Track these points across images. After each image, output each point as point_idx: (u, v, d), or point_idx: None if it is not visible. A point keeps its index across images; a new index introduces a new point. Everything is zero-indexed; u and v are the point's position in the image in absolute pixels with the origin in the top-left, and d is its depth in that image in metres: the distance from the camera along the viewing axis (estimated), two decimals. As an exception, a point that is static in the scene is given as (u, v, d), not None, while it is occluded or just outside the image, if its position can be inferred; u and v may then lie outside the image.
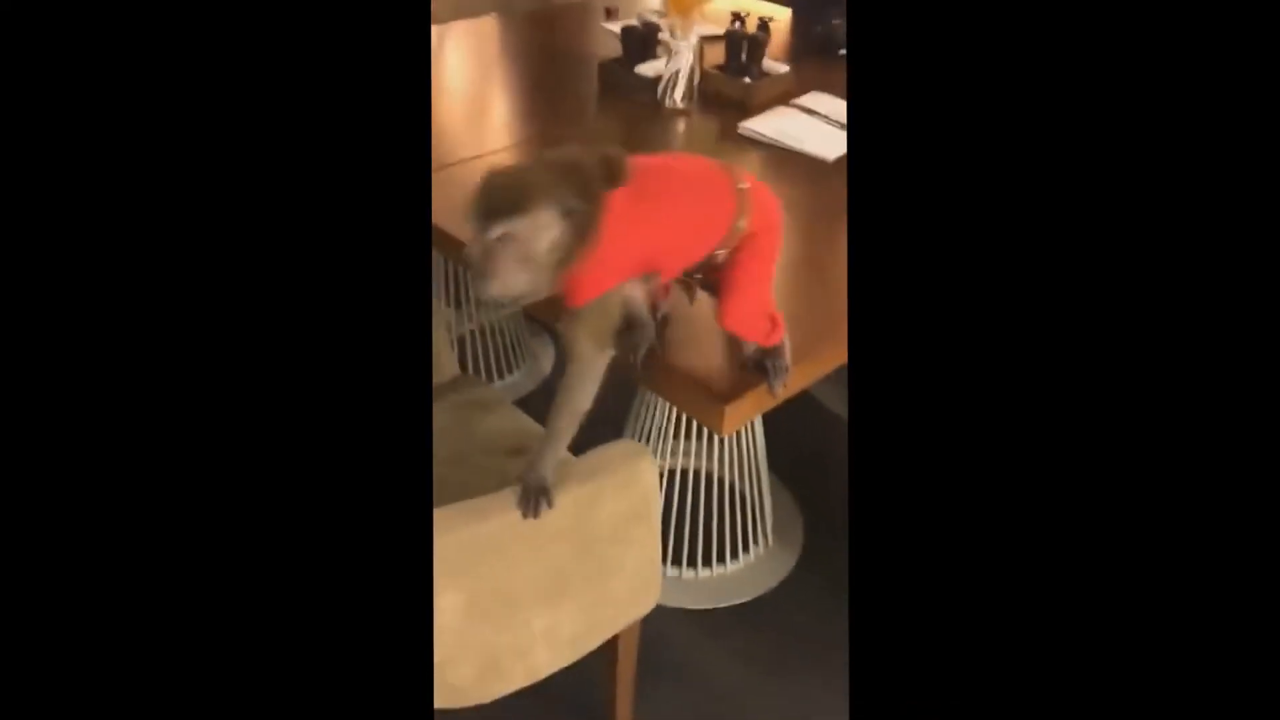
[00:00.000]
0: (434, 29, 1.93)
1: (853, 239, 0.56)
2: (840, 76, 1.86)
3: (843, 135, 1.54)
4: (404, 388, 0.56)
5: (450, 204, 0.91)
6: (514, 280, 0.79)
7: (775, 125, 1.56)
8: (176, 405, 0.53)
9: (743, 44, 1.69)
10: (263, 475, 0.53)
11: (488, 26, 2.07)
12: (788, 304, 1.06)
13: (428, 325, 0.66)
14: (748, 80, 1.67)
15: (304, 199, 0.54)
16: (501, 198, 0.77)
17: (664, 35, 1.66)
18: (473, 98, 1.73)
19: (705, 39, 1.80)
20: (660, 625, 1.52)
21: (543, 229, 0.78)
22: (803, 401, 2.10)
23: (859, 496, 0.54)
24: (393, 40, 0.56)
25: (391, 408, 0.55)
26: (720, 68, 1.71)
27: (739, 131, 1.55)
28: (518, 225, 0.77)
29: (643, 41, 1.70)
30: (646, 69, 1.68)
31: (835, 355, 1.05)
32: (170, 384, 0.52)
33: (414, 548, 0.55)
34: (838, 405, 2.08)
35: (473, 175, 0.81)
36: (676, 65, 1.62)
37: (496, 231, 0.77)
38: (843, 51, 2.01)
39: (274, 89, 0.54)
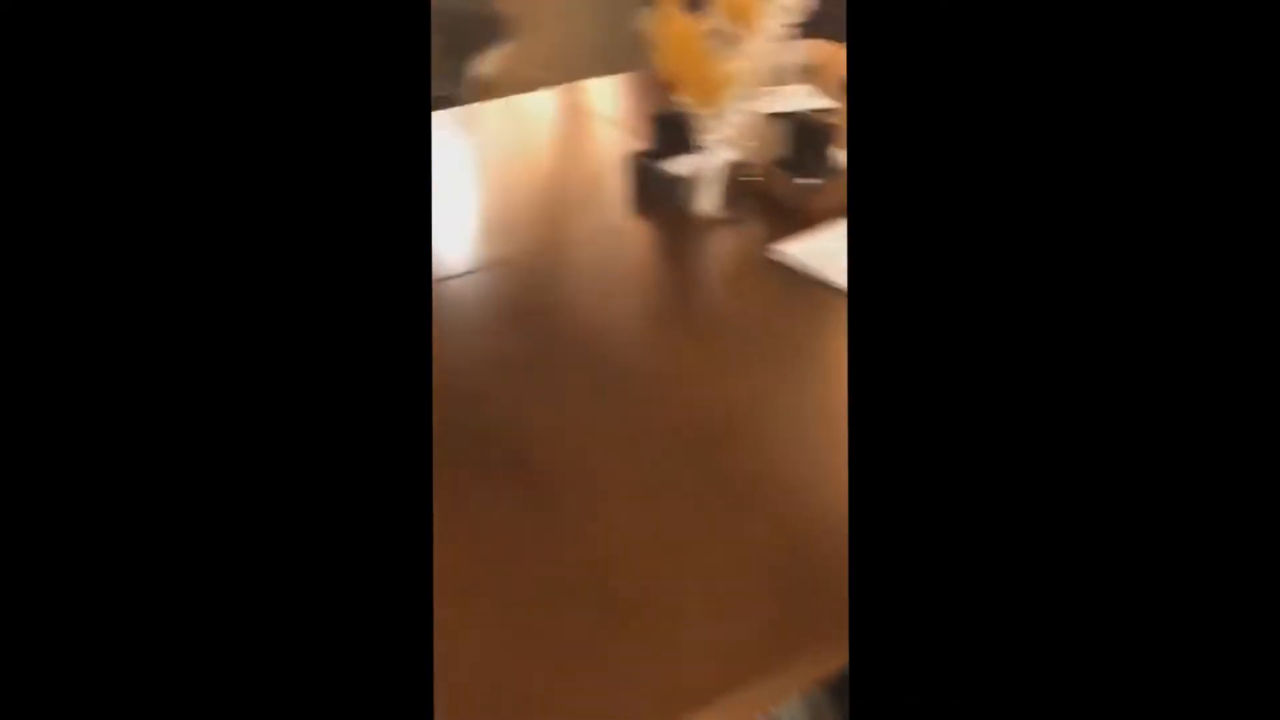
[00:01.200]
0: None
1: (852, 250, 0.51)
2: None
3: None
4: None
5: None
6: None
7: (822, 248, 1.13)
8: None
9: (808, 127, 1.27)
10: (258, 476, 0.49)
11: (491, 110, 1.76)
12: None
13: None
14: (802, 180, 1.24)
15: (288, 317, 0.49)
16: None
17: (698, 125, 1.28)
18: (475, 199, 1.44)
19: (774, 115, 1.39)
20: None
21: None
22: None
23: (859, 498, 0.51)
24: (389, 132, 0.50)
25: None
26: (784, 162, 1.29)
27: (766, 255, 1.13)
28: None
29: (678, 129, 1.33)
30: (679, 165, 1.30)
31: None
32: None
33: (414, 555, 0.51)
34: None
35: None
36: (706, 162, 1.24)
37: None
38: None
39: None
